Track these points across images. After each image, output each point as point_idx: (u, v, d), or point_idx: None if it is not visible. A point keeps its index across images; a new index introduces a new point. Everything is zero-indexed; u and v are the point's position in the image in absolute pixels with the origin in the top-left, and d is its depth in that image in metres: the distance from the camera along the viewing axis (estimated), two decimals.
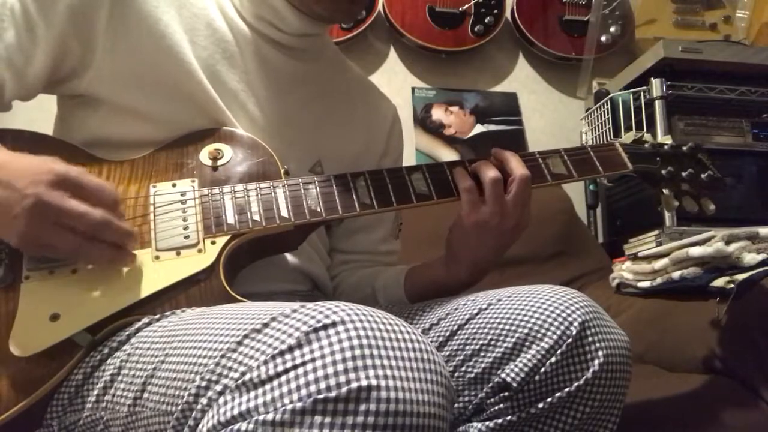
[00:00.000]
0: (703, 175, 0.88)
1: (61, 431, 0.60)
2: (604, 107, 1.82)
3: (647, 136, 0.94)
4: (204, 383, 0.48)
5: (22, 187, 0.58)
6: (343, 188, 0.74)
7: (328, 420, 0.41)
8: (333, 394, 0.42)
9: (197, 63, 0.77)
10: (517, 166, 0.75)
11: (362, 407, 0.42)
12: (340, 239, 0.96)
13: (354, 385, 0.42)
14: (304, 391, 0.42)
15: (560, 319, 0.63)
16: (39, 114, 0.95)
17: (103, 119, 0.76)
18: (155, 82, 0.75)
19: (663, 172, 0.86)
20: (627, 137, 0.93)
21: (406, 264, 0.97)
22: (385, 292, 0.86)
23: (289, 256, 0.82)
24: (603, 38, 2.01)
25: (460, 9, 1.96)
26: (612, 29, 2.02)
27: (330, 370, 0.43)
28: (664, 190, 0.88)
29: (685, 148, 0.90)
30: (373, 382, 0.42)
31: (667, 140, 0.93)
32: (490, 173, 0.74)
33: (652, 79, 1.70)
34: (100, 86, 0.75)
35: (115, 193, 0.64)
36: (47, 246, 0.60)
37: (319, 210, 0.72)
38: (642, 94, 1.72)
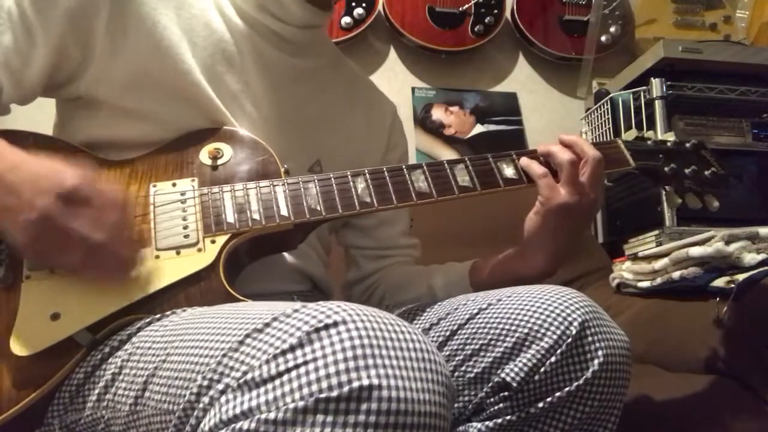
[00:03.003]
0: (706, 172, 0.87)
1: (61, 430, 0.60)
2: (604, 107, 1.82)
3: (650, 133, 0.92)
4: (206, 382, 0.48)
5: (29, 197, 0.58)
6: (343, 187, 0.74)
7: (330, 419, 0.42)
8: (335, 393, 0.42)
9: (196, 64, 0.77)
10: (589, 148, 0.78)
11: (364, 406, 0.42)
12: (358, 237, 0.97)
13: (356, 384, 0.42)
14: (306, 390, 0.43)
15: (560, 319, 0.63)
16: (40, 116, 0.95)
17: (102, 121, 0.76)
18: (154, 84, 0.75)
19: (666, 169, 0.85)
20: (629, 135, 0.92)
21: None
22: (447, 290, 0.85)
23: (287, 256, 0.82)
24: (603, 38, 2.01)
25: (460, 9, 1.96)
26: (612, 29, 2.02)
27: (332, 369, 0.43)
28: (666, 188, 0.87)
29: (688, 145, 0.89)
30: (375, 381, 0.42)
31: (670, 137, 0.91)
32: (566, 156, 0.77)
33: (652, 79, 1.69)
34: (99, 88, 0.75)
35: (122, 212, 0.63)
36: (49, 259, 0.61)
37: (318, 209, 0.72)
38: (642, 94, 1.71)
